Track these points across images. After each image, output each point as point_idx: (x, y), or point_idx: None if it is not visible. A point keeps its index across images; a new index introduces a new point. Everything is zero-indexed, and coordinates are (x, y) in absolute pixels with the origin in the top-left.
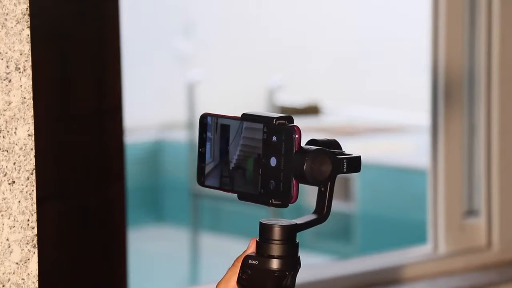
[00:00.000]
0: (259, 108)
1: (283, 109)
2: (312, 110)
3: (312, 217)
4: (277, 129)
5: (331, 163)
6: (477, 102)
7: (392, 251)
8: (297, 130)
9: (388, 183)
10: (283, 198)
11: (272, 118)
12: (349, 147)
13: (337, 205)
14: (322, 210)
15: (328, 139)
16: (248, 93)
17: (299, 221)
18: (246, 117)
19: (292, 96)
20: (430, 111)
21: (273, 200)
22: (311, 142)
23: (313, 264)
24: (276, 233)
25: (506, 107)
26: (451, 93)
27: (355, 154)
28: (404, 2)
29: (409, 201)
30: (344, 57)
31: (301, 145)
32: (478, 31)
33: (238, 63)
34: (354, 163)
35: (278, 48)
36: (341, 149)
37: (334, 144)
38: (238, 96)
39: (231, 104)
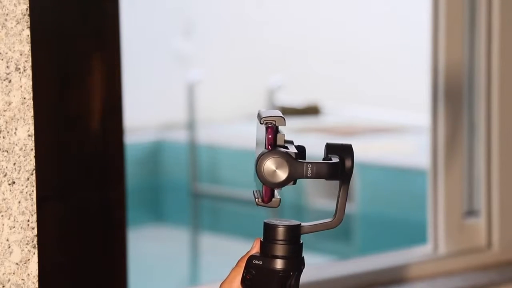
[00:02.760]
0: (259, 108)
1: (283, 109)
2: (312, 110)
3: (324, 220)
4: (265, 129)
5: (288, 166)
6: (477, 102)
7: (392, 251)
8: (270, 130)
9: (388, 183)
10: (263, 198)
11: (261, 117)
12: None
13: None
14: (334, 215)
15: (341, 144)
16: (248, 93)
17: (307, 223)
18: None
19: (292, 96)
20: (430, 111)
21: (258, 199)
22: (325, 146)
23: (313, 264)
24: (280, 233)
25: (506, 107)
26: (451, 93)
27: (335, 160)
28: (404, 2)
29: (409, 201)
30: (344, 57)
31: (277, 146)
32: (478, 31)
33: (238, 63)
34: (326, 169)
35: (278, 48)
36: (349, 156)
37: (343, 149)
38: (238, 96)
39: (231, 104)
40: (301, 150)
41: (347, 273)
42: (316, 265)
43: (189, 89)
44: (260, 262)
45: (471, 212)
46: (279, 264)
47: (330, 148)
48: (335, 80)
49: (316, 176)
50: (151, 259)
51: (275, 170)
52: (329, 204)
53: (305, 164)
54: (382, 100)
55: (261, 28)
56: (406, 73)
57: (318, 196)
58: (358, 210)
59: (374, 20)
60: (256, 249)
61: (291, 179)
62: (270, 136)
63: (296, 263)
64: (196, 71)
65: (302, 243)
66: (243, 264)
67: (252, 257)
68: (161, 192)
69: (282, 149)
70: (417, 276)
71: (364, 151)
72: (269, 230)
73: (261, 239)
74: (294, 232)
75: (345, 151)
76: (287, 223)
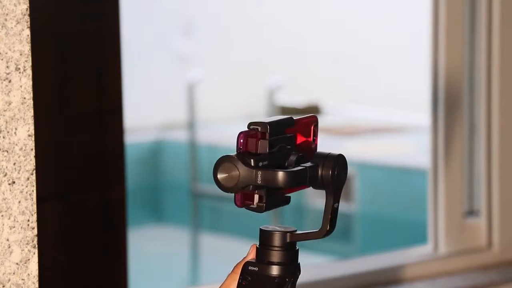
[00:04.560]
0: (259, 108)
1: (283, 109)
2: (312, 110)
3: (312, 230)
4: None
5: (238, 172)
6: (477, 102)
7: (392, 251)
8: (240, 136)
9: (388, 183)
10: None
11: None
12: (349, 147)
13: None
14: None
15: (327, 153)
16: (248, 93)
17: (301, 231)
18: None
19: (292, 96)
20: (430, 111)
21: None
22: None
23: (313, 264)
24: (276, 240)
25: (506, 107)
26: (451, 93)
27: (297, 168)
28: (404, 2)
29: (409, 201)
30: (344, 57)
31: (243, 152)
32: (479, 32)
33: (238, 63)
34: (282, 178)
35: (278, 48)
36: (328, 165)
37: (325, 158)
38: (238, 96)
39: (231, 104)
40: (286, 158)
41: (347, 273)
42: (316, 265)
43: (189, 89)
44: (256, 269)
45: (471, 212)
46: (275, 270)
47: (315, 156)
48: (335, 80)
49: (268, 183)
50: (151, 259)
51: (227, 175)
52: None
53: (255, 171)
54: (382, 100)
55: (261, 28)
56: (406, 73)
57: (318, 197)
58: (358, 210)
59: (374, 20)
60: (252, 255)
61: (240, 185)
62: (241, 140)
63: (292, 269)
64: (196, 71)
65: (298, 249)
66: (239, 271)
67: (248, 263)
68: (161, 192)
69: (237, 155)
70: (417, 276)
71: (364, 151)
72: (265, 236)
73: (257, 245)
74: (318, 236)
75: (327, 160)
76: (283, 229)
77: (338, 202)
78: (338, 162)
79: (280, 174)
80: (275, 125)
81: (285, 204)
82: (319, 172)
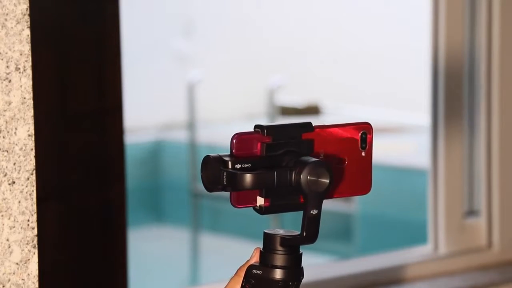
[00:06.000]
0: (259, 108)
1: (283, 109)
2: (312, 110)
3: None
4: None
5: (211, 172)
6: (477, 102)
7: (392, 251)
8: (233, 137)
9: (388, 183)
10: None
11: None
12: None
13: (337, 205)
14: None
15: (307, 159)
16: (248, 93)
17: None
18: None
19: (292, 96)
20: (430, 111)
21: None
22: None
23: (313, 264)
24: (280, 243)
25: (506, 107)
26: (451, 93)
27: (264, 172)
28: (404, 2)
29: (409, 201)
30: (344, 57)
31: (231, 155)
32: (479, 31)
33: (238, 63)
34: (248, 180)
35: (278, 48)
36: (303, 171)
37: (304, 164)
38: (238, 96)
39: (231, 104)
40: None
41: (347, 273)
42: (316, 265)
43: (189, 89)
44: (260, 272)
45: (471, 212)
46: (278, 274)
47: (298, 161)
48: (335, 80)
49: (233, 185)
50: (151, 259)
51: (206, 174)
52: (331, 206)
53: (221, 172)
54: (382, 100)
55: (261, 28)
56: (406, 73)
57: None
58: (358, 210)
59: (374, 20)
60: (255, 259)
61: (214, 185)
62: (234, 141)
63: (295, 273)
64: (196, 71)
65: (301, 253)
66: (242, 274)
67: (251, 267)
68: (161, 192)
69: (215, 156)
70: (417, 276)
71: None
72: (269, 239)
73: (261, 249)
74: (294, 242)
75: (302, 165)
76: (287, 233)
77: (318, 210)
78: (313, 169)
79: (243, 176)
80: (278, 129)
81: (302, 210)
82: (293, 177)
